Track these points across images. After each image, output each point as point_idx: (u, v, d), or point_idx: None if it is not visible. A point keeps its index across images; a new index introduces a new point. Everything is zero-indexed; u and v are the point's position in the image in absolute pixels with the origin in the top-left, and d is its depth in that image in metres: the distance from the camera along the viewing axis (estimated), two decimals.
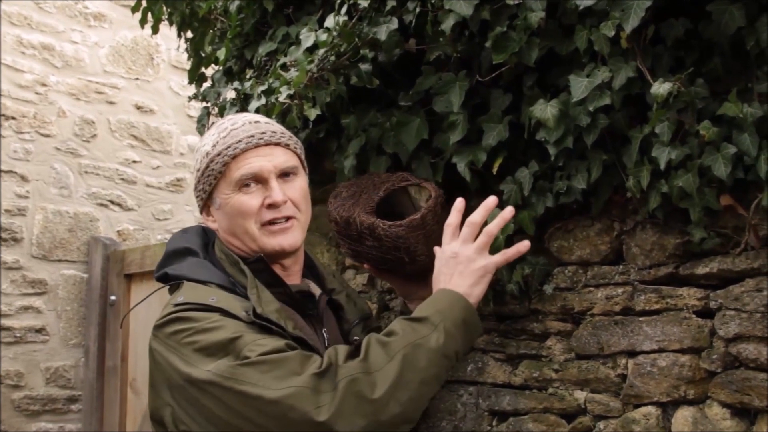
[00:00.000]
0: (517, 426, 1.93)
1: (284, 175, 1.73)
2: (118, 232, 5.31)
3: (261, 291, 1.63)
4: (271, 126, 1.76)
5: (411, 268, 1.89)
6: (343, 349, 1.52)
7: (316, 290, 1.83)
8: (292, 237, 1.73)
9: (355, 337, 1.76)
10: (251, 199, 1.70)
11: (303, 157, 1.82)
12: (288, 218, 1.72)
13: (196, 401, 1.48)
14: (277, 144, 1.73)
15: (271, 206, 1.70)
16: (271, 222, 1.71)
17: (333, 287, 1.87)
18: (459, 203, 1.74)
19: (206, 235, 1.81)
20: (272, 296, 1.64)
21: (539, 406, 1.90)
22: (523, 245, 1.72)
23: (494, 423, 1.99)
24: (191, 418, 1.50)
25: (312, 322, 1.74)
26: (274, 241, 1.71)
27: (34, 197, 4.98)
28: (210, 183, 1.73)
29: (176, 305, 1.58)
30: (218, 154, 1.70)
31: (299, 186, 1.76)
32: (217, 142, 1.72)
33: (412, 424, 1.54)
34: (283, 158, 1.73)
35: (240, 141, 1.70)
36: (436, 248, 1.75)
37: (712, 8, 1.58)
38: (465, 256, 1.66)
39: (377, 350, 1.50)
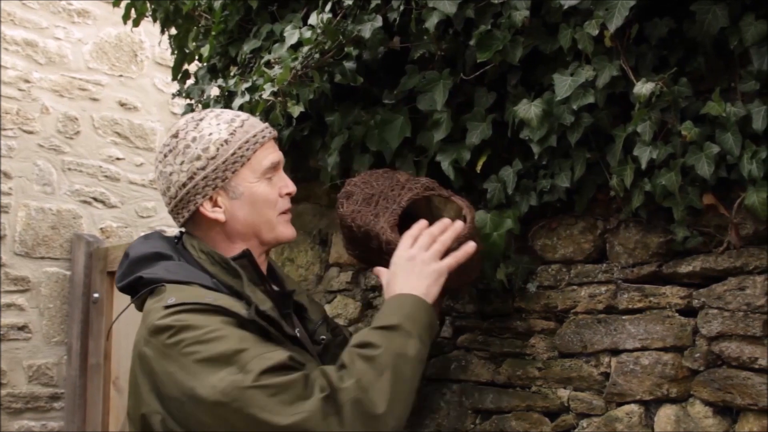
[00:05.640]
0: (500, 424, 1.93)
1: None
2: (101, 229, 5.27)
3: (253, 289, 1.62)
4: None
5: None
6: (330, 369, 1.51)
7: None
8: (293, 227, 1.80)
9: (322, 337, 1.78)
10: (274, 189, 1.74)
11: None
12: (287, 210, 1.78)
13: (195, 417, 1.45)
14: (274, 138, 1.79)
15: (287, 195, 1.76)
16: (284, 212, 1.76)
17: (293, 288, 1.85)
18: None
19: (170, 239, 1.77)
20: (263, 295, 1.63)
21: (522, 404, 1.91)
22: (470, 246, 1.72)
23: (477, 421, 1.99)
24: (186, 430, 1.46)
25: (289, 322, 1.73)
26: (288, 231, 1.77)
27: (17, 194, 4.94)
28: (234, 170, 1.69)
29: (168, 307, 1.51)
30: (246, 141, 1.69)
31: None
32: (235, 131, 1.69)
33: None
34: (280, 152, 1.79)
35: (262, 131, 1.73)
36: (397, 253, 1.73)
37: (695, 8, 1.59)
38: (421, 260, 1.67)
39: (364, 366, 1.49)
